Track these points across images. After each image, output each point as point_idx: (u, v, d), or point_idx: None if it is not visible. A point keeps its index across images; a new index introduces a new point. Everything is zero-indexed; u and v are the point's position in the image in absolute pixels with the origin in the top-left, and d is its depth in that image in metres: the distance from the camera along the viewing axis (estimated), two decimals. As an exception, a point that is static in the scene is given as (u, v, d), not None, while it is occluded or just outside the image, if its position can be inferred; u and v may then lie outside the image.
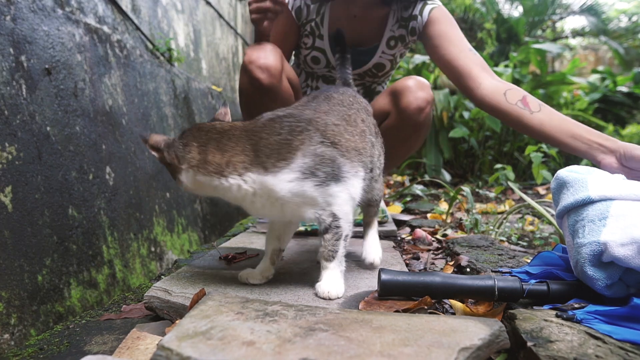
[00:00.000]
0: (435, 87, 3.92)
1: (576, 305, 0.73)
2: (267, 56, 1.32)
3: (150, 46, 2.22)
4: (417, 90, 1.42)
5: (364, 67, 1.57)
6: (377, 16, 1.53)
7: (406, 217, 2.16)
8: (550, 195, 1.01)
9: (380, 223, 1.73)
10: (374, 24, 1.54)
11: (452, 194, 2.11)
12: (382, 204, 1.84)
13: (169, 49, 2.33)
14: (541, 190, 3.18)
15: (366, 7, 1.50)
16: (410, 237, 1.66)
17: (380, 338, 0.59)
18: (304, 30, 1.56)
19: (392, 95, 1.48)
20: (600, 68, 5.92)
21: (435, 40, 1.44)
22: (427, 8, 1.47)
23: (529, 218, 2.11)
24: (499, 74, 3.69)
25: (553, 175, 0.95)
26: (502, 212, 2.07)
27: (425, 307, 0.81)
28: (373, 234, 1.16)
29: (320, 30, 1.54)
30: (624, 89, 5.21)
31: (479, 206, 2.55)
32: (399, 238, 1.67)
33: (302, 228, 1.54)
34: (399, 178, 3.84)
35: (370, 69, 1.58)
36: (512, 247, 1.49)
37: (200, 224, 2.10)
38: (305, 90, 1.68)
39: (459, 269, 1.13)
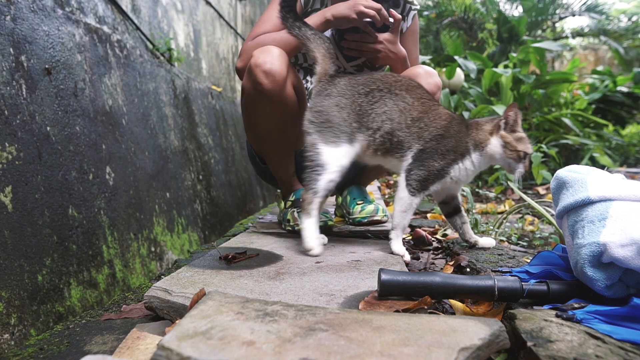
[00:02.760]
0: (436, 87, 3.90)
1: (576, 305, 0.74)
2: (273, 61, 1.36)
3: (150, 46, 2.22)
4: (428, 77, 1.48)
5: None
6: None
7: (406, 217, 2.16)
8: (550, 195, 1.01)
9: (380, 222, 1.73)
10: None
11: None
12: (382, 204, 1.84)
13: (169, 49, 2.33)
14: (541, 190, 3.18)
15: None
16: (410, 237, 1.66)
17: (380, 338, 0.59)
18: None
19: None
20: (600, 68, 5.92)
21: (404, 47, 1.67)
22: (411, 14, 1.67)
23: (529, 218, 2.12)
24: (499, 75, 3.69)
25: (553, 175, 0.95)
26: (502, 212, 2.07)
27: (425, 307, 0.81)
28: None
29: None
30: (624, 89, 5.21)
31: (479, 206, 2.55)
32: (399, 238, 1.67)
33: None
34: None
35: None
36: (512, 247, 1.49)
37: (200, 224, 2.10)
38: (306, 87, 1.69)
39: (459, 269, 1.13)
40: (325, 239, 1.34)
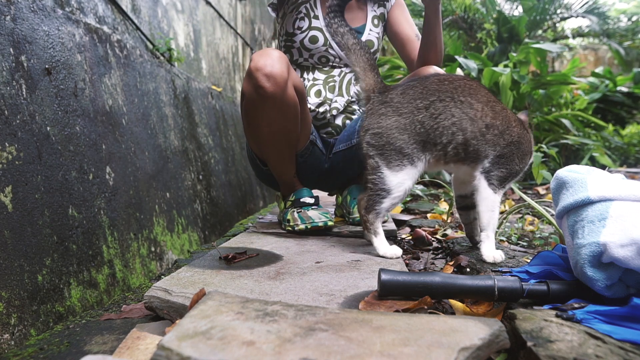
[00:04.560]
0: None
1: (576, 305, 0.74)
2: (274, 64, 1.37)
3: (150, 46, 2.22)
4: None
5: None
6: None
7: (406, 217, 2.16)
8: (550, 195, 1.01)
9: (380, 223, 1.73)
10: (357, 4, 1.70)
11: (452, 194, 2.11)
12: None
13: (169, 49, 2.33)
14: (541, 190, 3.18)
15: None
16: (410, 237, 1.66)
17: (380, 338, 0.59)
18: (298, 13, 1.62)
19: None
20: (600, 68, 5.92)
21: (397, 21, 1.76)
22: None
23: (529, 218, 2.11)
24: (498, 74, 3.69)
25: (553, 175, 0.95)
26: (502, 212, 2.07)
27: (425, 307, 0.81)
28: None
29: (315, 11, 1.64)
30: (624, 89, 5.21)
31: (479, 206, 2.54)
32: (399, 238, 1.67)
33: (302, 226, 1.53)
34: (399, 178, 3.82)
35: None
36: (512, 247, 1.49)
37: (200, 224, 2.10)
38: (305, 85, 1.69)
39: (459, 269, 1.13)
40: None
